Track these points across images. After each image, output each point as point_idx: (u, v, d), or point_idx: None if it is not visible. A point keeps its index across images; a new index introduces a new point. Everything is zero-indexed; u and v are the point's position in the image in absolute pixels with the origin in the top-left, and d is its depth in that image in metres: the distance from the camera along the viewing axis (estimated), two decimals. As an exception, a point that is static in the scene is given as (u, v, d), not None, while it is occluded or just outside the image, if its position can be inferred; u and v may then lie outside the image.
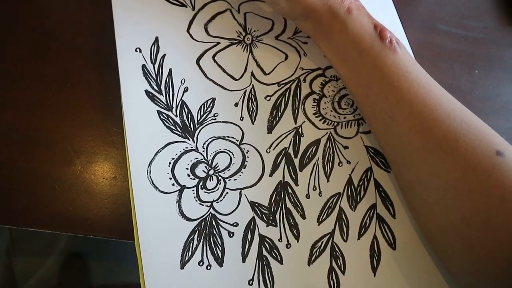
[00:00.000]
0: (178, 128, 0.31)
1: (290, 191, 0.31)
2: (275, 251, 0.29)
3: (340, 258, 0.29)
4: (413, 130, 0.27)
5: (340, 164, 0.32)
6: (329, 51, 0.31)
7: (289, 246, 0.29)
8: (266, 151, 0.32)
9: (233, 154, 0.31)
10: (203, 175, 0.30)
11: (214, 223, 0.29)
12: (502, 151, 0.25)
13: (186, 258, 0.28)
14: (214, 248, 0.28)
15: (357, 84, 0.30)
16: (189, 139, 0.31)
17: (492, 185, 0.24)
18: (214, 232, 0.29)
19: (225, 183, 0.30)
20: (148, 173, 0.29)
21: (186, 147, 0.30)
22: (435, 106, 0.26)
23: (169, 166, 0.30)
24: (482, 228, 0.24)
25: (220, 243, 0.28)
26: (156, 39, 0.33)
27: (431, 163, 0.26)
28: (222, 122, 0.32)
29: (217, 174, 0.30)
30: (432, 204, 0.27)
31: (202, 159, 0.30)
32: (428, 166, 0.26)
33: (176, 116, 0.31)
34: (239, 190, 0.30)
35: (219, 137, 0.31)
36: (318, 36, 0.31)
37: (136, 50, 0.32)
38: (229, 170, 0.30)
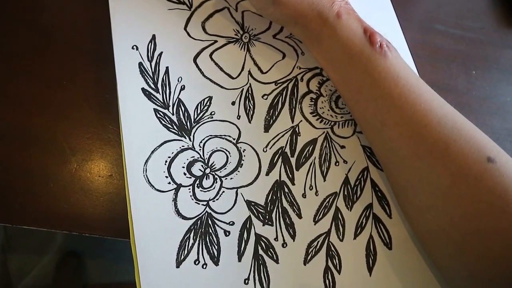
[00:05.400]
0: (175, 127, 0.31)
1: (286, 190, 0.31)
2: (271, 250, 0.29)
3: (336, 257, 0.29)
4: (404, 136, 0.27)
5: (337, 164, 0.32)
6: (319, 56, 0.31)
7: (285, 245, 0.29)
8: (263, 150, 0.31)
9: (229, 153, 0.31)
10: (199, 173, 0.30)
11: (210, 222, 0.29)
12: (493, 157, 0.24)
13: (182, 257, 0.27)
14: (210, 247, 0.28)
15: (348, 89, 0.30)
16: (185, 138, 0.30)
17: (482, 191, 0.24)
18: (210, 231, 0.28)
19: (222, 182, 0.30)
20: (144, 172, 0.29)
21: (183, 146, 0.30)
22: (426, 111, 0.26)
23: (165, 164, 0.29)
24: (472, 233, 0.24)
25: (216, 242, 0.28)
26: (153, 37, 0.33)
27: (422, 169, 0.26)
28: (219, 120, 0.32)
29: (213, 173, 0.30)
30: (423, 209, 0.27)
31: (198, 157, 0.30)
32: (419, 172, 0.26)
33: (173, 114, 0.31)
34: (236, 189, 0.30)
35: (216, 136, 0.31)
36: (309, 41, 0.31)
37: (133, 48, 0.32)
38: (225, 169, 0.30)
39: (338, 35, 0.28)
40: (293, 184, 0.31)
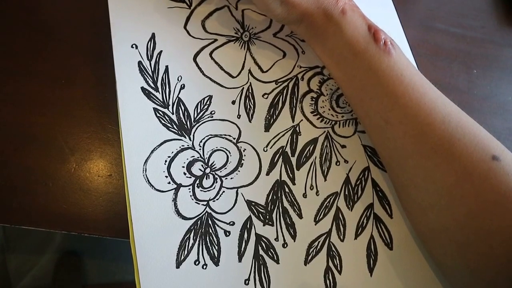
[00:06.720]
0: (175, 126, 0.30)
1: (287, 190, 0.30)
2: (271, 250, 0.29)
3: (337, 257, 0.29)
4: (408, 135, 0.26)
5: (338, 163, 0.32)
6: (323, 54, 0.30)
7: (285, 245, 0.29)
8: (263, 150, 0.31)
9: (229, 153, 0.31)
10: (199, 173, 0.30)
11: (210, 222, 0.28)
12: (497, 155, 0.24)
13: (182, 257, 0.27)
14: (210, 247, 0.28)
15: (352, 87, 0.30)
16: (185, 137, 0.30)
17: (486, 190, 0.24)
18: (210, 231, 0.28)
19: (222, 181, 0.30)
20: (144, 171, 0.29)
21: (183, 145, 0.30)
22: (430, 110, 0.26)
23: (165, 164, 0.29)
24: (475, 232, 0.24)
25: (216, 242, 0.28)
26: (153, 35, 0.33)
27: (426, 167, 0.26)
28: (219, 120, 0.31)
29: (213, 173, 0.30)
30: (426, 208, 0.27)
31: (198, 157, 0.30)
32: (423, 170, 0.26)
33: (173, 113, 0.31)
34: (236, 189, 0.30)
35: (216, 135, 0.31)
36: (313, 39, 0.31)
37: (132, 47, 0.32)
38: (225, 168, 0.30)
39: (343, 32, 0.28)
40: (294, 184, 0.31)
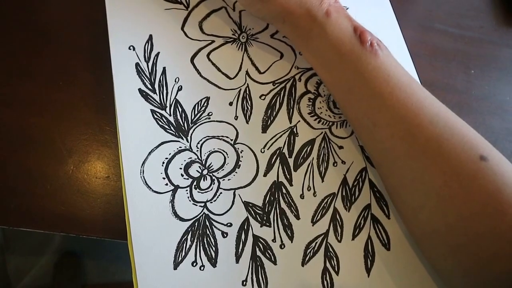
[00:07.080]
0: (172, 128, 0.30)
1: (284, 191, 0.31)
2: (269, 251, 0.29)
3: (334, 258, 0.29)
4: (396, 136, 0.26)
5: (335, 164, 0.32)
6: (309, 55, 0.30)
7: (283, 246, 0.29)
8: (261, 151, 0.31)
9: (227, 154, 0.31)
10: (196, 175, 0.30)
11: (207, 223, 0.29)
12: (485, 155, 0.24)
13: (180, 258, 0.27)
14: (208, 249, 0.28)
15: (339, 89, 0.29)
16: (182, 139, 0.30)
17: (474, 191, 0.24)
18: (208, 232, 0.28)
19: (219, 183, 0.30)
20: (141, 173, 0.29)
21: (180, 147, 0.30)
22: (418, 110, 0.26)
23: (162, 165, 0.29)
24: (465, 234, 0.24)
25: (213, 243, 0.28)
26: (150, 37, 0.33)
27: (415, 169, 0.26)
28: (216, 121, 0.31)
29: (211, 174, 0.30)
30: (416, 209, 0.27)
31: (195, 158, 0.30)
32: (412, 172, 0.26)
33: (170, 115, 0.31)
34: (233, 190, 0.30)
35: (213, 137, 0.31)
36: (297, 39, 0.30)
37: (129, 48, 0.32)
38: (223, 170, 0.30)
39: (328, 34, 0.28)
40: (291, 185, 0.31)
